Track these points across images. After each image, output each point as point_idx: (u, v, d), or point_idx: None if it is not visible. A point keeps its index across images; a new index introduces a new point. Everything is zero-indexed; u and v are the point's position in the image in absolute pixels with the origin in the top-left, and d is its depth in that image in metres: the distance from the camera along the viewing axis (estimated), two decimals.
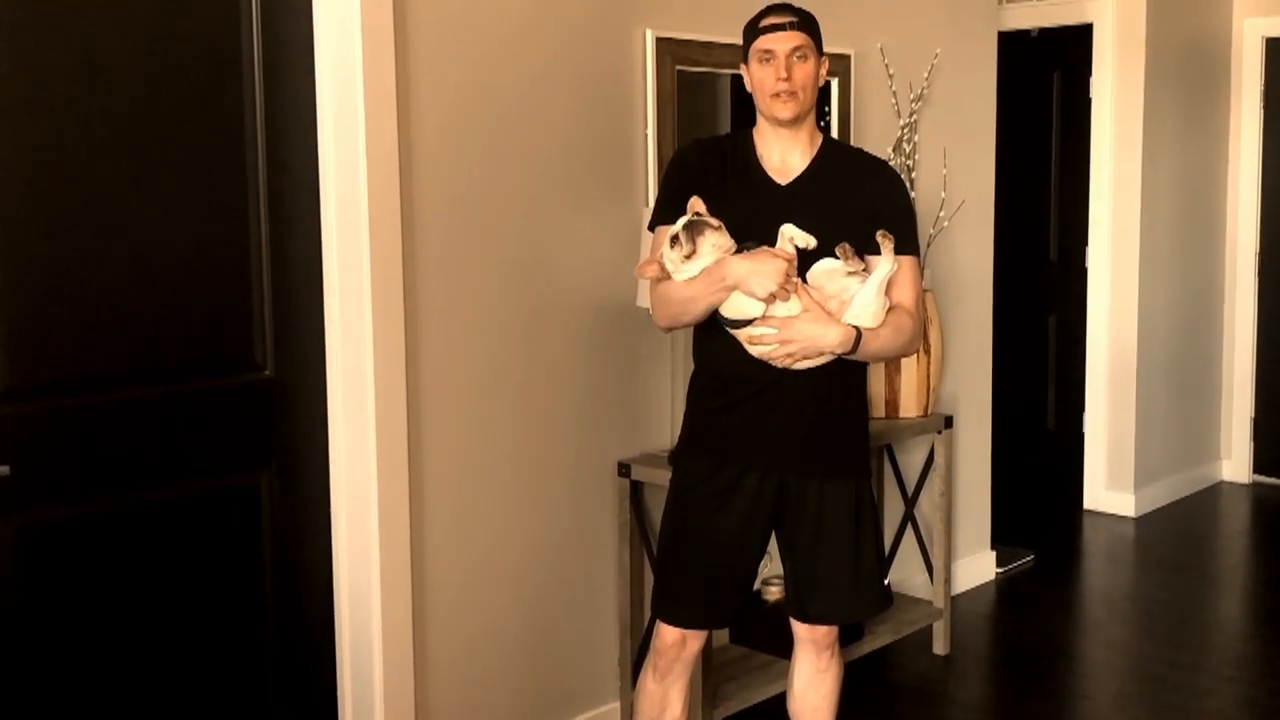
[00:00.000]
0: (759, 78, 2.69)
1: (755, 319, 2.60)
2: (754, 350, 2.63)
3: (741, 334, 2.63)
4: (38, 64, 2.49)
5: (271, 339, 2.86)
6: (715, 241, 2.58)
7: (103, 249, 2.60)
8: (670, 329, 2.84)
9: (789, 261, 2.56)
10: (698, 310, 2.66)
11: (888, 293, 2.67)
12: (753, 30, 2.71)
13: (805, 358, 2.63)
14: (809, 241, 2.60)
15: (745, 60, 2.74)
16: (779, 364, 2.63)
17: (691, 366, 2.85)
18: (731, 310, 2.61)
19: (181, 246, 2.71)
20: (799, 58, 2.66)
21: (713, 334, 2.71)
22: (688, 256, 2.59)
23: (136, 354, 2.66)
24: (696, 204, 2.61)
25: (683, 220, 2.60)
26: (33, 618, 2.56)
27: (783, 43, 2.65)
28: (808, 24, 2.69)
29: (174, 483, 2.73)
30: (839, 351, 2.62)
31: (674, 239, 2.60)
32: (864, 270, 2.65)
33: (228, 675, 2.85)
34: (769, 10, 2.71)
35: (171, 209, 2.69)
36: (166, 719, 2.76)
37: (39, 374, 2.54)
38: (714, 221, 2.59)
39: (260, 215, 2.82)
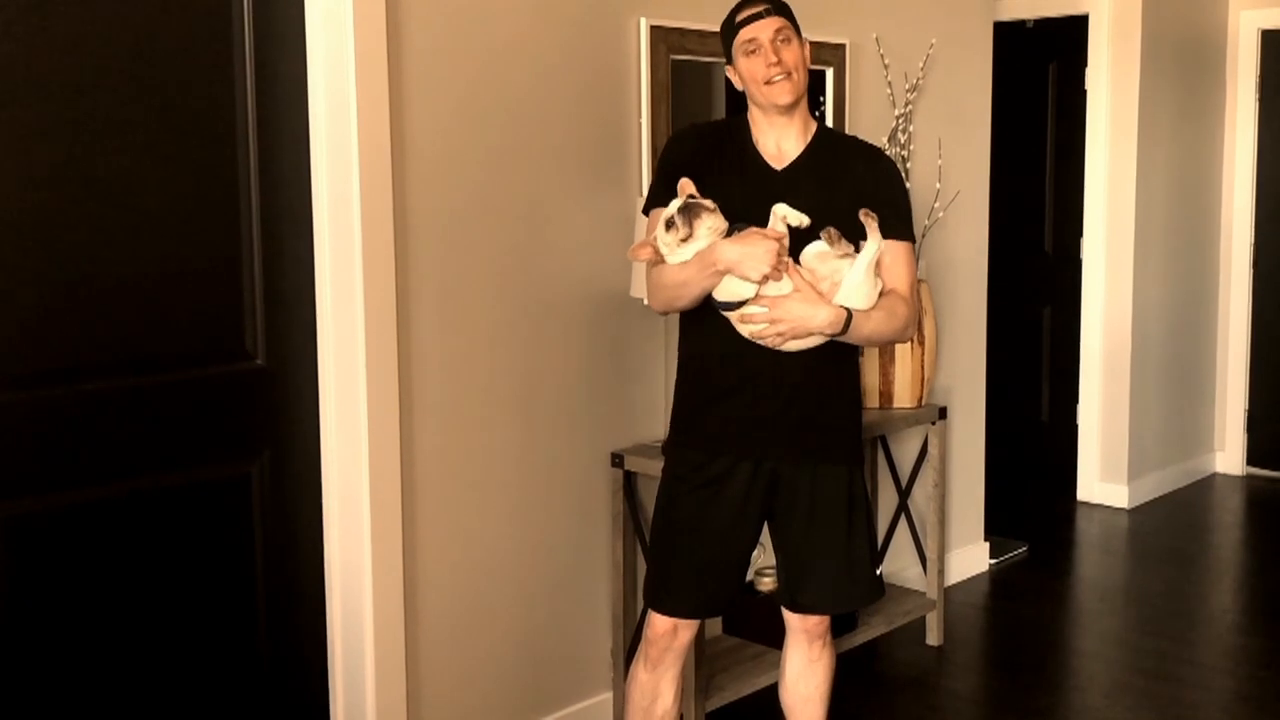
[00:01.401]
0: (749, 70, 2.69)
1: (748, 299, 2.59)
2: (744, 329, 2.62)
3: (734, 315, 2.63)
4: (30, 58, 2.48)
5: (263, 328, 2.85)
6: (711, 224, 2.58)
7: (94, 238, 2.58)
8: (666, 313, 2.83)
9: (779, 241, 2.56)
10: (692, 294, 2.66)
11: (881, 275, 2.66)
12: (731, 27, 2.72)
13: (795, 338, 2.62)
14: (802, 220, 2.60)
15: (729, 60, 2.74)
16: (769, 344, 2.62)
17: None
18: (724, 293, 2.61)
19: (173, 235, 2.70)
20: (783, 41, 2.67)
21: (700, 321, 2.70)
22: (684, 240, 2.58)
23: (127, 343, 2.65)
24: (686, 186, 2.61)
25: (678, 202, 2.59)
26: (21, 609, 2.55)
27: (764, 29, 2.66)
28: (782, 8, 2.71)
29: (165, 472, 2.72)
30: (829, 332, 2.61)
31: (669, 222, 2.59)
32: (854, 253, 2.65)
33: (219, 665, 2.84)
34: (741, 5, 2.72)
35: (163, 198, 2.67)
36: (157, 712, 2.75)
37: (29, 363, 2.53)
38: (709, 204, 2.58)
39: (252, 204, 2.80)
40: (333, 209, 2.86)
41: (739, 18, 2.69)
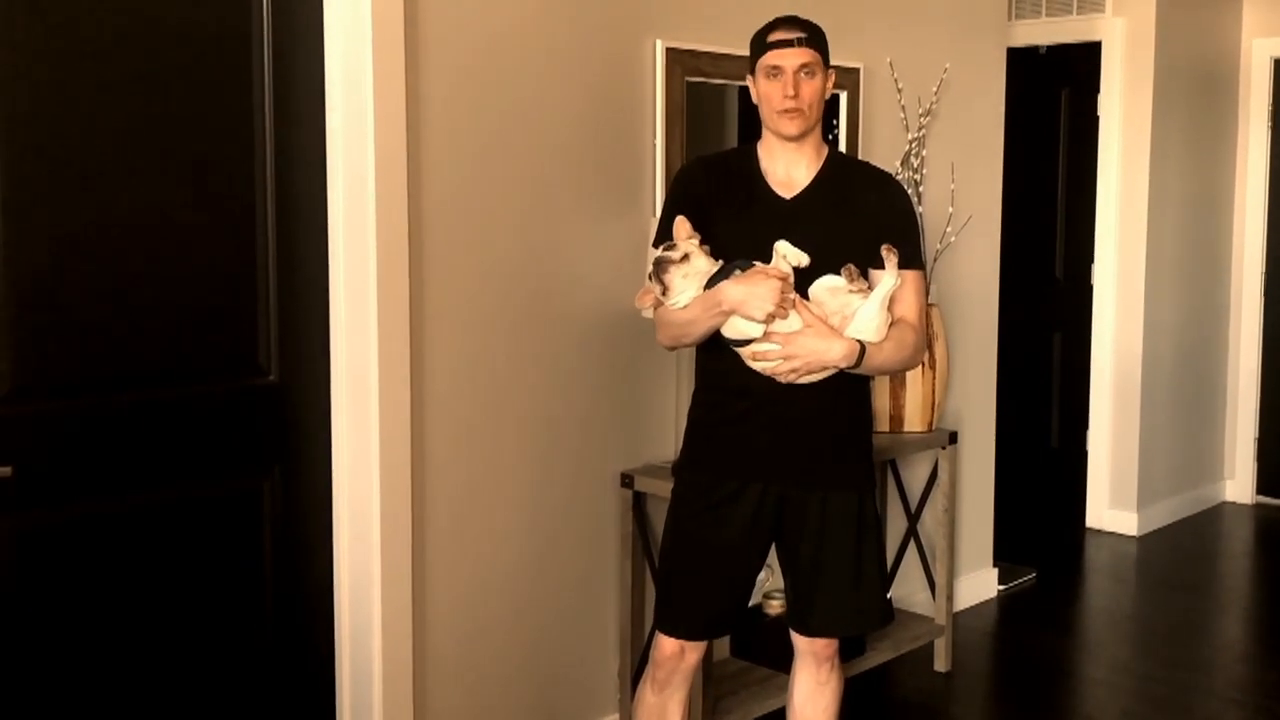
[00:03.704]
0: (766, 93, 2.69)
1: (756, 338, 2.60)
2: (758, 366, 2.63)
3: (745, 351, 2.63)
4: (42, 64, 2.49)
5: (276, 343, 2.85)
6: (685, 272, 2.60)
7: (108, 252, 2.59)
8: (673, 349, 2.84)
9: (783, 280, 2.56)
10: (698, 333, 2.67)
11: (891, 307, 2.67)
12: (760, 44, 2.69)
13: (809, 373, 2.62)
14: (801, 259, 2.60)
15: (752, 72, 2.73)
16: (783, 379, 2.62)
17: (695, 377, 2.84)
18: (732, 331, 2.62)
19: (187, 249, 2.70)
20: (806, 74, 2.65)
21: (715, 348, 2.70)
22: (663, 293, 2.60)
23: (141, 357, 2.65)
24: (679, 228, 2.62)
25: (652, 256, 2.62)
26: (33, 619, 2.55)
27: (790, 59, 2.64)
28: (815, 40, 2.67)
29: (177, 486, 2.72)
30: (843, 366, 2.62)
31: (650, 277, 2.62)
32: (867, 289, 2.65)
33: (227, 678, 2.84)
34: (777, 24, 2.70)
35: (178, 212, 2.68)
36: None
37: (43, 376, 2.53)
38: (676, 255, 2.60)
39: (267, 219, 2.81)
40: (348, 226, 2.87)
41: (770, 38, 2.67)
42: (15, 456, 2.49)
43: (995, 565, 4.91)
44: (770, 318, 2.56)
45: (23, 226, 2.48)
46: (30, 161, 2.48)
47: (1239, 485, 6.34)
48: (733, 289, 2.56)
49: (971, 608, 4.72)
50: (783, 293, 2.55)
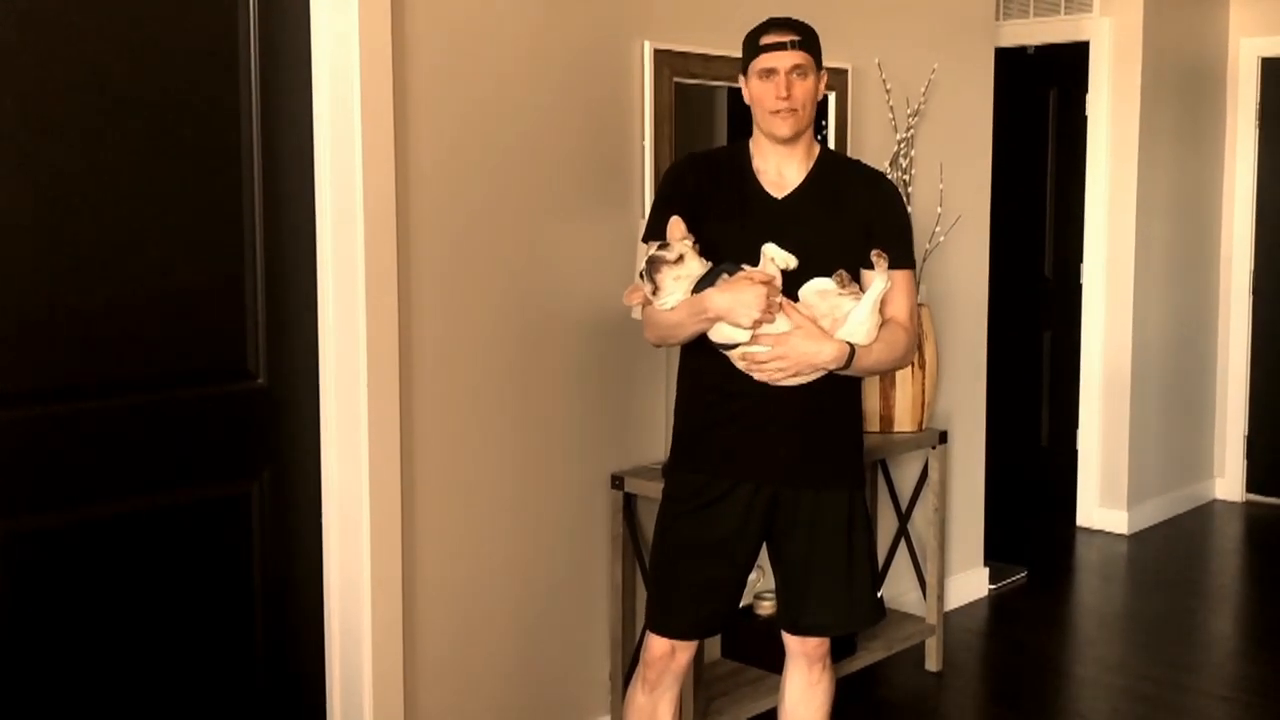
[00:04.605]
0: (758, 94, 2.69)
1: (744, 342, 2.60)
2: (745, 368, 2.63)
3: (735, 354, 2.63)
4: (33, 72, 2.48)
5: (265, 347, 2.85)
6: (677, 274, 2.59)
7: (96, 256, 2.59)
8: (659, 346, 2.84)
9: (769, 285, 2.56)
10: (685, 335, 2.67)
11: (881, 308, 2.67)
12: (753, 46, 2.69)
13: (799, 375, 2.62)
14: (789, 262, 2.59)
15: (744, 73, 2.73)
16: (773, 382, 2.62)
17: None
18: (719, 336, 2.62)
19: (175, 253, 2.70)
20: (799, 75, 2.65)
21: (701, 348, 2.70)
22: (654, 292, 2.59)
23: (129, 361, 2.65)
24: (674, 228, 2.62)
25: (645, 254, 2.62)
26: (20, 626, 2.54)
27: (784, 61, 2.64)
28: (808, 42, 2.67)
29: (165, 491, 2.72)
30: (833, 367, 2.62)
31: (641, 274, 2.62)
32: (858, 291, 2.65)
33: (217, 685, 2.83)
34: (770, 26, 2.69)
35: (166, 216, 2.68)
36: None
37: (31, 380, 2.53)
38: (670, 255, 2.59)
39: (255, 222, 2.81)
40: (336, 228, 2.86)
41: (764, 40, 2.67)
42: (3, 461, 2.49)
43: (986, 564, 4.92)
44: (757, 324, 2.56)
45: (9, 233, 2.48)
46: (19, 171, 2.48)
47: (1229, 483, 6.35)
48: (718, 297, 2.56)
49: (962, 607, 4.72)
50: (769, 298, 2.55)
